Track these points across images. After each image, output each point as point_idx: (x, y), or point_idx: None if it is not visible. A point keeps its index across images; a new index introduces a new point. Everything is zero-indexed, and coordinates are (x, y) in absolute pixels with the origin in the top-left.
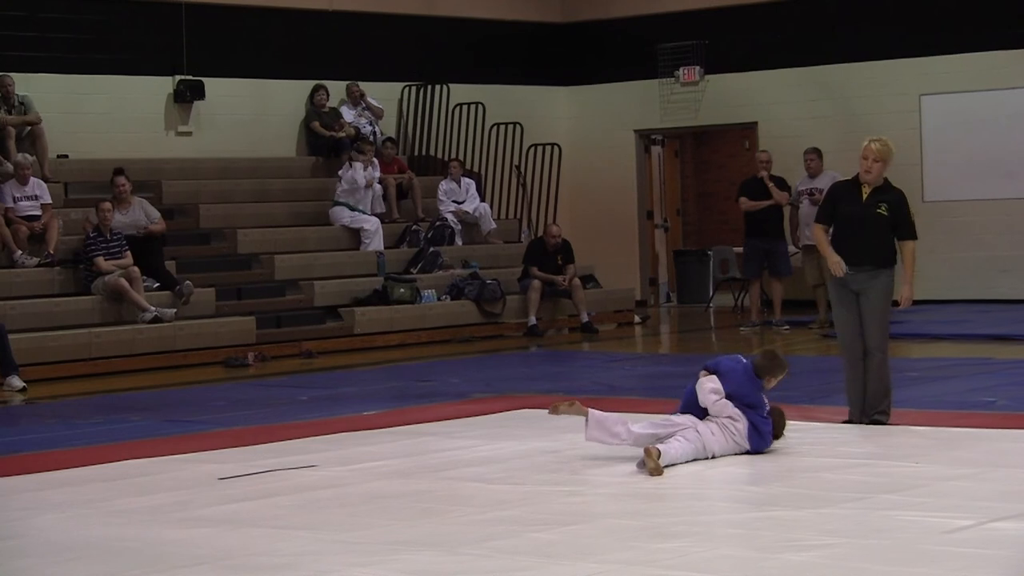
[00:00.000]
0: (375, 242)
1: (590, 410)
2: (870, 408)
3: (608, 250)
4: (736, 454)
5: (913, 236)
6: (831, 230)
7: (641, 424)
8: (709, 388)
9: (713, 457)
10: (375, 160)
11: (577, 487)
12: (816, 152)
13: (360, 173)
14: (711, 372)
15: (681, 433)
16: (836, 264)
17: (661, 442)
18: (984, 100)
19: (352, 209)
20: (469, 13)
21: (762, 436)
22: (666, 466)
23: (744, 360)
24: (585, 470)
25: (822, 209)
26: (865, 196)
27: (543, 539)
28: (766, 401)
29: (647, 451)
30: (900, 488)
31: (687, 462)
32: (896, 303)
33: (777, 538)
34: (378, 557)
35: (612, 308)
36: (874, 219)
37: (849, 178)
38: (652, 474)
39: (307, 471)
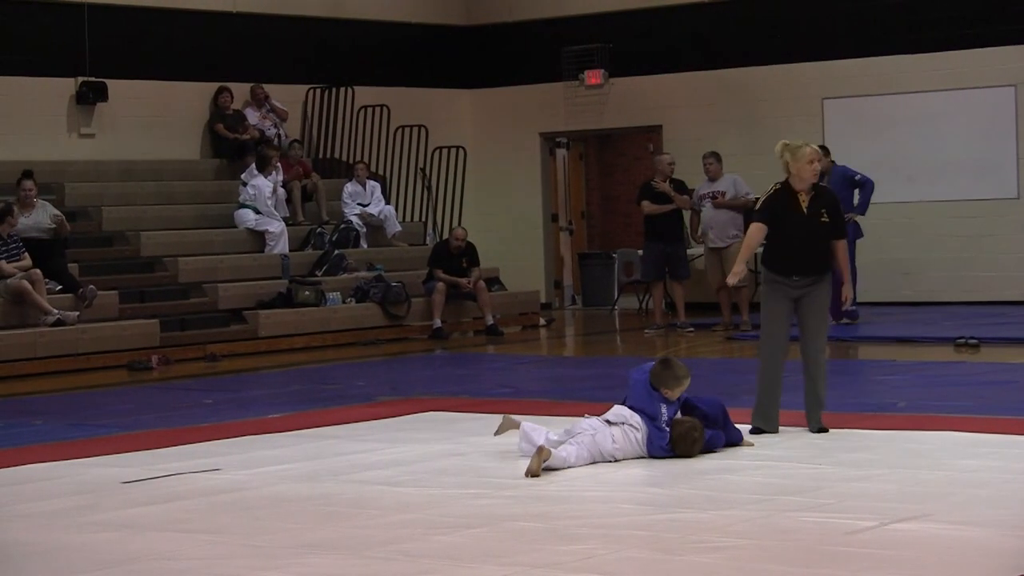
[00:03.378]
0: (280, 245)
1: (522, 423)
2: (816, 417)
3: (513, 253)
4: (638, 457)
5: (845, 235)
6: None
7: (556, 431)
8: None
9: (615, 460)
10: (278, 165)
11: (482, 490)
12: (715, 156)
13: (266, 186)
14: None
15: (575, 439)
16: (737, 275)
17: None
18: (886, 104)
19: (257, 212)
20: (374, 16)
21: (653, 446)
22: (554, 469)
23: None
24: (490, 473)
25: (765, 210)
26: (805, 205)
27: (448, 542)
28: (664, 412)
29: (538, 449)
30: (803, 490)
31: (583, 465)
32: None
33: (681, 540)
34: (283, 560)
35: (517, 311)
36: (819, 228)
37: (778, 186)
38: (527, 474)
39: (211, 475)
